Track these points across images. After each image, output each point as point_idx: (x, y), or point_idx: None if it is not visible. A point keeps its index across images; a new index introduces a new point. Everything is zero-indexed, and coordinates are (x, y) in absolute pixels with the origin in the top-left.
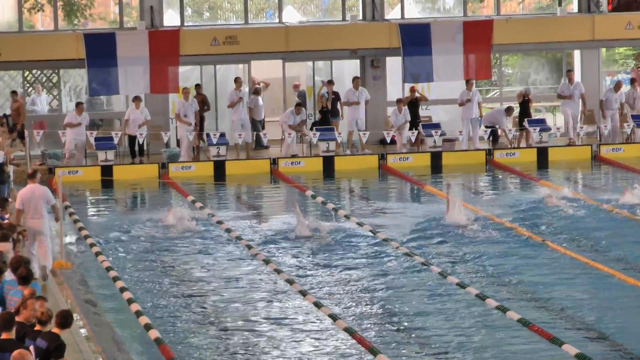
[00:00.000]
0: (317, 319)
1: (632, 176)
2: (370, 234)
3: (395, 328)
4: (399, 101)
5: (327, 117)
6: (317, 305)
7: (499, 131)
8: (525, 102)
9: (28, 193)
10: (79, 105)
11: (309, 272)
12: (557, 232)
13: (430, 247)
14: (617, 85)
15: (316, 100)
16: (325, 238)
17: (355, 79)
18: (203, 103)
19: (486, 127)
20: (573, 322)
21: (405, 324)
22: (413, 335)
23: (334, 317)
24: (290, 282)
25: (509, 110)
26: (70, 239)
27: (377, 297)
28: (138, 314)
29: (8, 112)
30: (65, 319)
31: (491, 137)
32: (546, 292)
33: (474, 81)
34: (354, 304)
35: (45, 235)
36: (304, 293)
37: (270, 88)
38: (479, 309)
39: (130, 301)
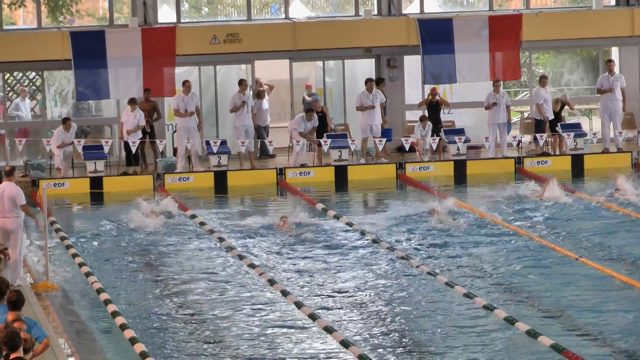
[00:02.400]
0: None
1: None
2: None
3: None
4: (422, 119)
5: (325, 121)
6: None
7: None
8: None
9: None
10: (66, 121)
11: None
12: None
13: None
14: None
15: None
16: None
17: (368, 80)
18: (153, 111)
19: None
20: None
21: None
22: None
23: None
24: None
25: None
26: (56, 258)
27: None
28: (133, 340)
29: None
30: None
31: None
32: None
33: (502, 82)
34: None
35: (16, 235)
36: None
37: (276, 91)
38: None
39: (123, 327)
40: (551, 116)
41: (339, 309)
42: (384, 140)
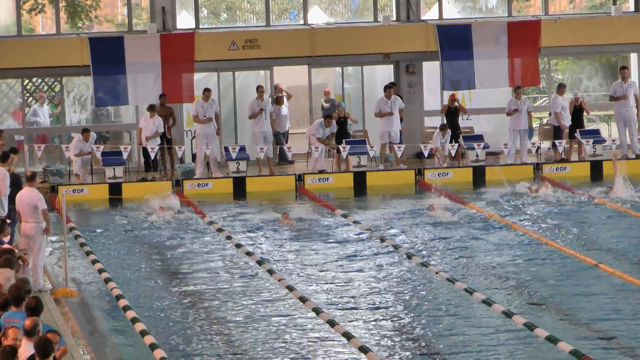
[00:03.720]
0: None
1: None
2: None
3: None
4: (443, 128)
5: (345, 127)
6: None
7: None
8: (577, 111)
9: (19, 197)
10: (85, 132)
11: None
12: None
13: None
14: None
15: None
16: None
17: (387, 87)
18: (170, 117)
19: None
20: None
21: None
22: None
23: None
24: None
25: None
26: (76, 264)
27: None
28: (152, 347)
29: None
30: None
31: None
32: None
33: (522, 88)
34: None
35: (32, 242)
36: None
37: (295, 96)
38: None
39: (143, 333)
40: (569, 123)
41: (355, 311)
42: (403, 146)
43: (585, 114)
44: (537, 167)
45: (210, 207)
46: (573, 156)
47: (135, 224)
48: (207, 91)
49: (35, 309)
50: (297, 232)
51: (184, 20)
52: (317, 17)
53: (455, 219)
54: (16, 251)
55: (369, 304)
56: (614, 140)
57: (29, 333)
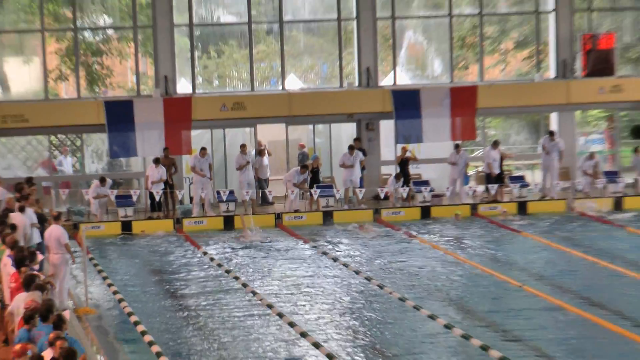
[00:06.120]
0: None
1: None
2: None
3: None
4: (397, 176)
5: (318, 176)
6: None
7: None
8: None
9: (47, 233)
10: (103, 180)
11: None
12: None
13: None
14: (591, 156)
15: (306, 163)
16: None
17: (350, 147)
18: (172, 166)
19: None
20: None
21: None
22: None
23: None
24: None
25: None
26: (94, 287)
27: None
28: (159, 355)
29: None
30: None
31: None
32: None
33: (461, 143)
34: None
35: (57, 269)
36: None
37: (274, 149)
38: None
39: (151, 343)
40: (498, 171)
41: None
42: (363, 190)
43: (505, 161)
44: (474, 206)
45: (205, 239)
46: (502, 196)
47: (142, 253)
48: (203, 149)
49: (58, 324)
50: (284, 254)
51: (183, 86)
52: (293, 83)
53: (376, 234)
54: (43, 277)
55: (322, 309)
56: (536, 184)
57: (51, 344)
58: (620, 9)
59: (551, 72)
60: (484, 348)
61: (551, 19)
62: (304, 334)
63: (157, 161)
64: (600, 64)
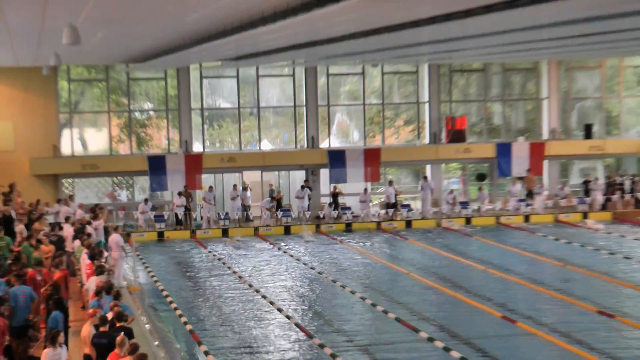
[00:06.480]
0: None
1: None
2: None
3: None
4: (330, 204)
5: (281, 203)
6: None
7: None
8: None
9: (110, 238)
10: (146, 200)
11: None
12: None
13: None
14: (451, 191)
15: (273, 195)
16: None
17: (302, 186)
18: (189, 197)
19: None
20: None
21: None
22: None
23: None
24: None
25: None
26: (139, 273)
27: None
28: (180, 316)
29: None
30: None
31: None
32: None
33: (370, 189)
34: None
35: (116, 261)
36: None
37: (254, 187)
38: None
39: (175, 309)
40: (393, 201)
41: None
42: (309, 212)
43: (398, 195)
44: (379, 225)
45: (209, 243)
46: (396, 217)
47: (169, 251)
48: (211, 188)
49: (117, 296)
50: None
51: (197, 147)
52: (266, 146)
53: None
54: (107, 266)
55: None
56: (417, 209)
57: (111, 309)
58: (469, 100)
59: (426, 140)
60: (363, 298)
61: (426, 107)
62: (272, 302)
63: (180, 194)
64: (457, 135)
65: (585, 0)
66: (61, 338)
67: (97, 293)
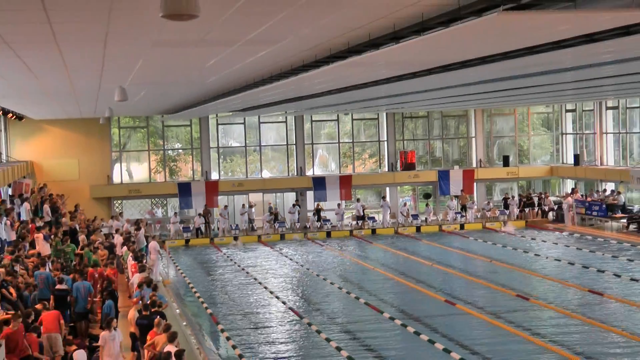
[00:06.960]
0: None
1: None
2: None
3: None
4: (314, 214)
5: (277, 217)
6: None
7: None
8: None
9: (150, 244)
10: (176, 214)
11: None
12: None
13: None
14: (405, 204)
15: (272, 211)
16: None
17: (293, 204)
18: (209, 213)
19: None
20: None
21: None
22: None
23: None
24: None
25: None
26: (171, 270)
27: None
28: (202, 303)
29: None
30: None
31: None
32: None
33: (343, 205)
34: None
35: (154, 261)
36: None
37: (257, 205)
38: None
39: (202, 302)
40: (362, 214)
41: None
42: (299, 223)
43: (365, 209)
44: (351, 232)
45: (224, 248)
46: (364, 226)
47: (194, 254)
48: (225, 206)
49: (154, 288)
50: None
51: (214, 175)
52: (266, 174)
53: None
54: (147, 266)
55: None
56: (380, 221)
57: (150, 298)
58: (417, 139)
59: (386, 169)
60: (340, 288)
61: (385, 144)
62: (271, 292)
63: (199, 214)
64: (408, 165)
65: (500, 64)
66: (114, 323)
67: (140, 286)
